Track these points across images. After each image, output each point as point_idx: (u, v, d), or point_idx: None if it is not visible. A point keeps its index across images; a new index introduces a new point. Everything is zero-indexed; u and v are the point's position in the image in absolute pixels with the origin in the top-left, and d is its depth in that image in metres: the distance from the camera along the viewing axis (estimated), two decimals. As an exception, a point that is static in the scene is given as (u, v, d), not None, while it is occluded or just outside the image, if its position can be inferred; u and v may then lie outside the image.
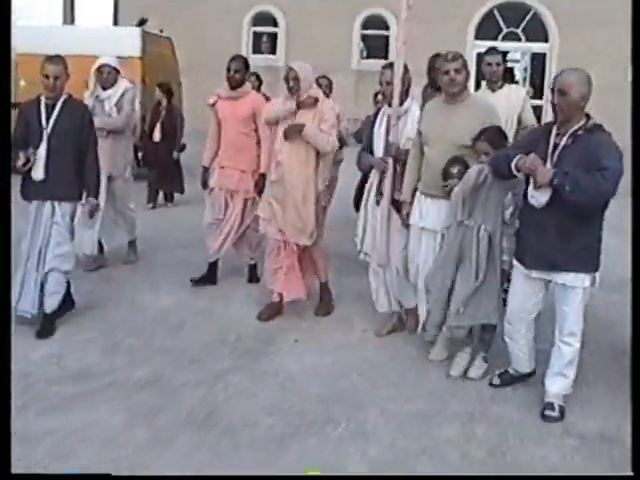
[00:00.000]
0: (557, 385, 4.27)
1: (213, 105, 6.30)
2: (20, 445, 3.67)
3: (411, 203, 5.00)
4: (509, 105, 5.79)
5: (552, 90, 4.02)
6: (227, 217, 6.31)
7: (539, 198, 4.00)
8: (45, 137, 5.11)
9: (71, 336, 5.14)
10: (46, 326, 5.16)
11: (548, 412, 4.20)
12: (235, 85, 6.20)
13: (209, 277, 6.49)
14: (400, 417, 4.14)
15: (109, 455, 3.63)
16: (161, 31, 13.19)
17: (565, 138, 4.01)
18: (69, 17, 20.59)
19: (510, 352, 4.52)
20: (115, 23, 19.55)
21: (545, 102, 18.13)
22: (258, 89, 8.01)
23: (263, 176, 6.12)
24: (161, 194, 10.31)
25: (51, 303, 5.20)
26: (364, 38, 19.73)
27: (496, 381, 4.57)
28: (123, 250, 7.18)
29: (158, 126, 10.03)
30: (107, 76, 6.58)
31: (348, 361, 4.89)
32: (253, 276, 6.62)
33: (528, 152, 4.07)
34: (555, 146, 4.02)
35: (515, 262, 4.35)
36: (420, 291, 4.96)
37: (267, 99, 6.92)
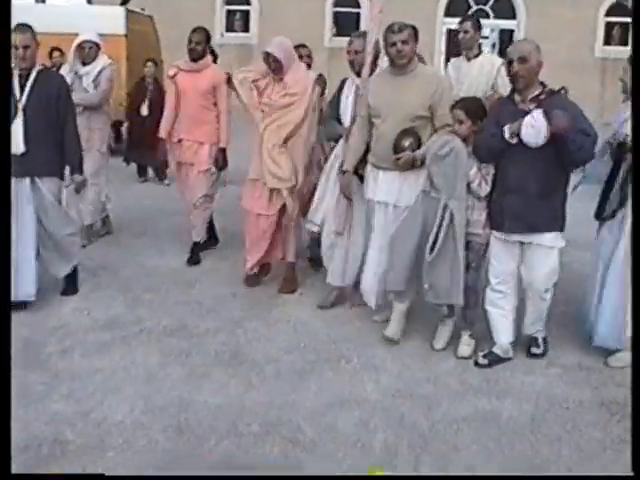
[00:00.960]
0: (537, 325, 4.68)
1: (173, 77, 6.25)
2: (70, 380, 4.13)
3: (356, 174, 4.97)
4: (482, 73, 5.91)
5: (509, 62, 4.24)
6: (188, 190, 6.41)
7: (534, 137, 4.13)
8: (20, 109, 4.90)
9: (93, 293, 5.55)
10: (70, 286, 5.50)
11: (534, 349, 4.67)
12: (196, 57, 6.14)
13: (210, 241, 6.78)
14: (403, 354, 4.64)
15: (153, 388, 4.08)
16: (143, 9, 13.45)
17: (529, 103, 4.25)
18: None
19: (492, 324, 4.60)
20: (89, 1, 19.61)
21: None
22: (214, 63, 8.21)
23: (223, 151, 6.30)
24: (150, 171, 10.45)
25: (69, 267, 5.40)
26: (335, 15, 20.05)
27: (482, 361, 4.49)
28: (125, 217, 7.52)
29: (146, 101, 10.21)
30: (88, 51, 6.60)
31: (350, 310, 5.36)
32: (194, 255, 6.42)
33: (501, 126, 4.24)
34: (526, 112, 4.20)
35: (493, 230, 4.47)
36: (366, 264, 4.95)
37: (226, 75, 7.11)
